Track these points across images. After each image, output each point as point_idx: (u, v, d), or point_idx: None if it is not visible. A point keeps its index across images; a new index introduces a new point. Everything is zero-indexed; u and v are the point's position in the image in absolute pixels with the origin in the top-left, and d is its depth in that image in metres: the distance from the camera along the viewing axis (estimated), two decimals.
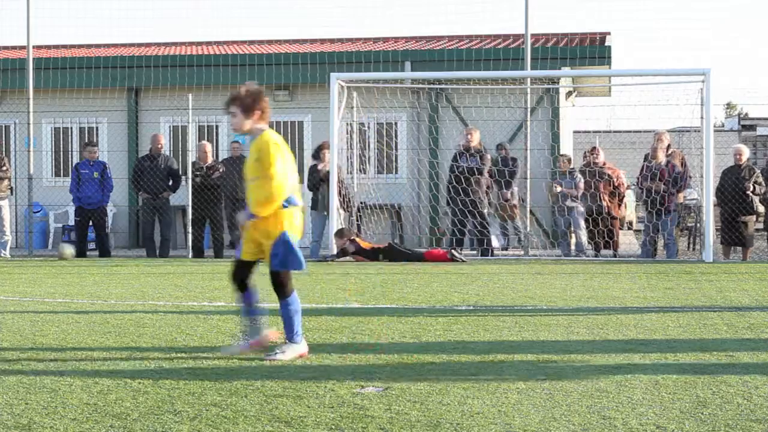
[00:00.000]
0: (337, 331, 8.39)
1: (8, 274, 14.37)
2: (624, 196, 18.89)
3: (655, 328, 8.55)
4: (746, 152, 17.51)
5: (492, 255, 17.40)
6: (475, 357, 7.15)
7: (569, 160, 18.27)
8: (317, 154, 17.66)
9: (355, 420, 5.31)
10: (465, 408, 5.57)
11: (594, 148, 18.35)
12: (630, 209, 27.41)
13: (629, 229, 26.40)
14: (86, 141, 19.47)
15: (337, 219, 17.09)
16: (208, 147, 18.29)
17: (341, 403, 5.67)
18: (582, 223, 17.73)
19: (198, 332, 8.42)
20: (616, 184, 17.88)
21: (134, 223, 21.14)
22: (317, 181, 17.45)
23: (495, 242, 18.09)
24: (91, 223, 17.94)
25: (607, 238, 17.56)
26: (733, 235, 16.87)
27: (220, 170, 17.86)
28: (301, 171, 20.70)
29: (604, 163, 17.94)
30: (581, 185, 17.57)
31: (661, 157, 17.01)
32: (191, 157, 18.60)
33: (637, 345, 7.65)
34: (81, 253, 17.80)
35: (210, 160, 18.12)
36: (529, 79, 18.55)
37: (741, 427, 5.12)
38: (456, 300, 10.74)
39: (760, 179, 16.89)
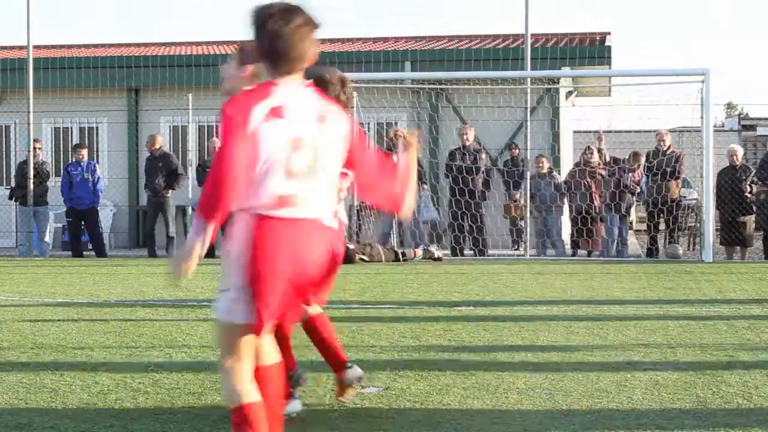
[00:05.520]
0: (337, 331, 8.36)
1: (8, 274, 14.37)
2: None
3: (655, 328, 8.55)
4: (741, 152, 17.52)
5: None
6: (475, 357, 7.15)
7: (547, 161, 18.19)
8: None
9: (355, 420, 5.31)
10: (465, 408, 5.57)
11: (589, 147, 18.35)
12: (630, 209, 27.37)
13: (629, 229, 26.35)
14: (76, 143, 19.52)
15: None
16: (218, 143, 18.20)
17: (341, 403, 5.67)
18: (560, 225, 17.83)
19: (198, 332, 8.43)
20: None
21: (134, 223, 21.14)
22: None
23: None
24: (83, 224, 17.96)
25: (586, 237, 17.52)
26: (733, 236, 16.87)
27: None
28: None
29: (598, 163, 17.92)
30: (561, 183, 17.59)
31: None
32: (191, 157, 18.56)
33: (637, 345, 7.65)
34: (76, 253, 17.81)
35: None
36: (529, 79, 18.54)
37: (741, 427, 5.12)
38: (456, 300, 10.74)
39: (755, 179, 16.91)
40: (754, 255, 17.51)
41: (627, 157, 17.97)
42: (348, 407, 5.58)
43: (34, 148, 18.34)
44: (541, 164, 17.80)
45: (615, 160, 17.93)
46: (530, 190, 17.54)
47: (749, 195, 16.75)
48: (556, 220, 17.77)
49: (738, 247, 17.08)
